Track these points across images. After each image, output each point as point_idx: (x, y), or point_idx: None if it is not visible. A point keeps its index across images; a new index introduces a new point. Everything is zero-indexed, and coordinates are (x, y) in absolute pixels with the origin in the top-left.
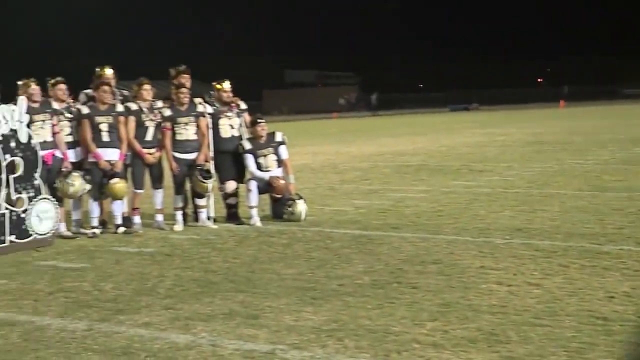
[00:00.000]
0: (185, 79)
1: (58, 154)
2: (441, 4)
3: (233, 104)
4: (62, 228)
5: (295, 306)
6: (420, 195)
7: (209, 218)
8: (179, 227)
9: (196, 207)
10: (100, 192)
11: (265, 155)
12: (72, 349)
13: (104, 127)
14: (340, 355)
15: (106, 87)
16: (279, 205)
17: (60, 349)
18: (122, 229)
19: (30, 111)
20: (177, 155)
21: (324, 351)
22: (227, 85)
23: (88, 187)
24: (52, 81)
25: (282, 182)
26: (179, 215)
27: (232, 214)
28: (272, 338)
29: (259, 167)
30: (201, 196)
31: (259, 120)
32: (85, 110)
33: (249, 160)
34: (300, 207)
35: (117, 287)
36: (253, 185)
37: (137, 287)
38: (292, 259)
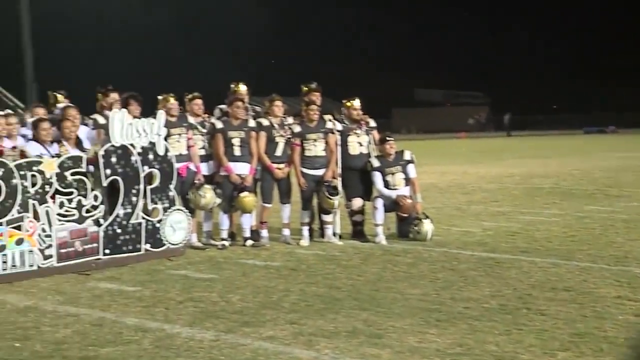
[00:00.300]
0: (316, 97)
1: (192, 166)
2: (580, 26)
3: (362, 122)
4: (194, 239)
5: (419, 327)
6: (552, 219)
7: (334, 234)
8: (305, 242)
9: (322, 223)
10: (230, 205)
11: (393, 174)
12: (200, 358)
13: (236, 141)
14: None
15: (239, 103)
16: (405, 224)
17: (188, 357)
18: (250, 242)
19: (168, 125)
20: (305, 171)
21: None
22: (357, 103)
23: (219, 200)
24: (189, 96)
25: (409, 201)
26: (305, 230)
27: (358, 231)
28: (395, 359)
29: (387, 185)
30: (328, 212)
31: (388, 138)
32: (219, 125)
33: (377, 177)
34: (427, 226)
35: (243, 299)
36: (380, 203)
37: (262, 300)
38: (417, 279)
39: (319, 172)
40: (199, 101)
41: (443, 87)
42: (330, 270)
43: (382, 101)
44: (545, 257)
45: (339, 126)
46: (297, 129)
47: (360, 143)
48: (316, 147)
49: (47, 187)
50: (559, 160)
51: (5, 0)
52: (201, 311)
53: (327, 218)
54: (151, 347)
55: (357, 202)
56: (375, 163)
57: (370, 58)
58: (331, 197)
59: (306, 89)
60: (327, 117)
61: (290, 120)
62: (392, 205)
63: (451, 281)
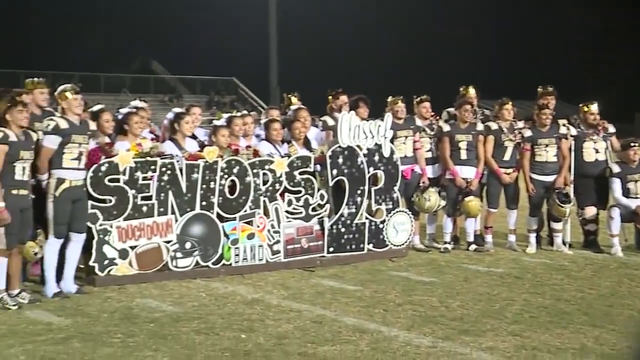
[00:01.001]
0: (549, 100)
1: (417, 169)
2: None
3: (600, 127)
4: (416, 240)
5: None
6: None
7: (564, 243)
8: (531, 249)
9: (551, 231)
10: (455, 208)
11: (636, 181)
12: None
13: (463, 145)
14: None
15: (468, 106)
16: None
17: None
18: (473, 247)
19: (395, 127)
20: (535, 176)
21: None
22: (594, 107)
23: (443, 203)
24: (418, 99)
25: None
26: (532, 237)
27: (591, 241)
28: None
29: (627, 193)
30: (558, 220)
31: (632, 144)
32: (446, 127)
33: (616, 184)
34: None
35: (463, 305)
36: (616, 212)
37: (483, 308)
38: None
39: (550, 179)
40: (427, 104)
41: None
42: (558, 280)
43: (623, 105)
44: None
45: (573, 131)
46: (528, 133)
47: (597, 149)
48: (547, 153)
49: (277, 185)
50: None
51: (254, 8)
52: (420, 315)
53: (556, 226)
54: (367, 348)
55: (591, 211)
56: (616, 169)
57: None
58: (562, 204)
59: (541, 91)
60: (562, 121)
61: (520, 124)
62: (631, 215)
63: None
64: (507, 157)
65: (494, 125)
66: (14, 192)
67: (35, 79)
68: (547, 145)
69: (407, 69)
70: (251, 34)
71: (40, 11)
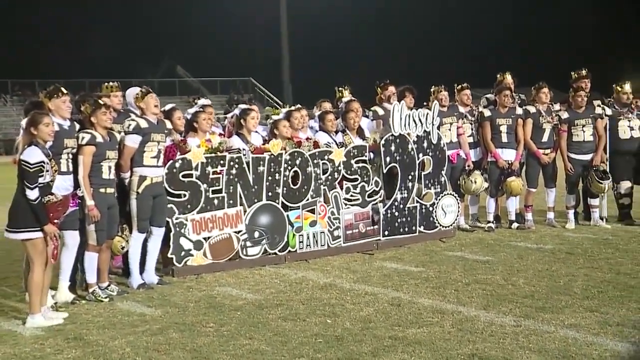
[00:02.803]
0: (585, 83)
1: (462, 153)
2: None
3: (633, 105)
4: (462, 221)
5: None
6: None
7: (601, 218)
8: (571, 225)
9: (589, 207)
10: (498, 189)
11: None
12: (507, 345)
13: (503, 128)
14: None
15: (507, 92)
16: None
17: (495, 343)
18: (515, 225)
19: (440, 114)
20: (573, 156)
21: None
22: (627, 87)
23: (486, 184)
24: (459, 87)
25: None
26: (571, 214)
27: (624, 214)
28: None
29: None
30: (596, 196)
31: None
32: (487, 113)
33: None
34: None
35: (528, 282)
36: None
37: (549, 285)
38: None
39: (587, 157)
40: (468, 91)
41: None
42: (610, 254)
43: None
44: None
45: (608, 111)
46: (565, 115)
47: (632, 127)
48: (584, 133)
49: (335, 174)
50: None
51: (267, 12)
52: (491, 294)
53: (594, 202)
54: (454, 329)
55: (625, 185)
56: None
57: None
58: (601, 181)
59: (576, 76)
60: (596, 102)
61: (557, 106)
62: None
63: None
64: (545, 138)
65: (532, 109)
66: (102, 190)
67: (111, 84)
68: (583, 126)
69: (414, 63)
70: (265, 36)
71: (81, 23)
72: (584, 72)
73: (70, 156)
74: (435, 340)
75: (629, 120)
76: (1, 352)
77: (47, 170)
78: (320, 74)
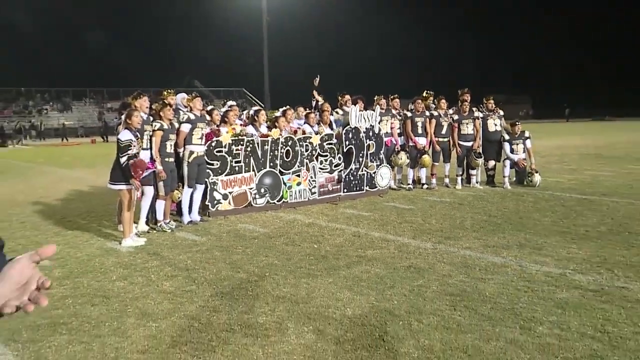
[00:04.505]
0: (466, 97)
1: (393, 140)
2: None
3: (496, 111)
4: (392, 184)
5: (563, 243)
6: (608, 174)
7: (477, 182)
8: (459, 186)
9: (469, 175)
10: (415, 162)
11: (517, 144)
12: (430, 260)
13: (419, 124)
14: (616, 281)
15: (419, 101)
16: (523, 175)
17: (422, 259)
18: (425, 186)
19: (380, 114)
20: (460, 142)
21: (601, 276)
22: (491, 100)
23: (408, 160)
24: (392, 97)
25: (525, 161)
26: (459, 179)
27: (490, 180)
28: (558, 264)
29: (512, 151)
30: (473, 168)
31: (516, 122)
32: (408, 114)
33: (506, 146)
34: (537, 177)
35: (438, 221)
36: (507, 163)
37: (450, 223)
38: (543, 212)
39: (469, 144)
40: (397, 100)
41: None
42: (484, 204)
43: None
44: (622, 198)
45: (481, 114)
46: (456, 116)
47: (496, 124)
48: (467, 128)
49: (313, 152)
50: (604, 136)
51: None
52: (415, 229)
53: (472, 172)
54: (396, 251)
55: (491, 162)
56: (506, 136)
57: None
58: (477, 159)
59: (460, 92)
60: (474, 108)
61: (450, 111)
62: (514, 164)
63: (566, 213)
64: (443, 131)
65: (435, 112)
66: (167, 159)
67: (169, 90)
68: (467, 124)
69: (365, 77)
70: (251, 56)
71: (129, 49)
72: (465, 90)
73: (147, 137)
74: (385, 258)
75: (494, 120)
76: (110, 260)
77: (134, 146)
78: (295, 84)
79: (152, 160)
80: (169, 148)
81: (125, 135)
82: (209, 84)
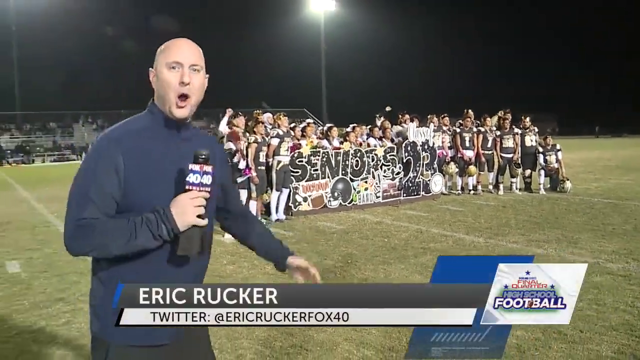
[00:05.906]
0: (508, 117)
1: (444, 152)
2: None
3: (532, 127)
4: (443, 189)
5: (594, 238)
6: (629, 182)
7: (517, 189)
8: (501, 192)
9: (511, 183)
10: (463, 172)
11: (550, 156)
12: (482, 252)
13: (466, 139)
14: None
15: (468, 119)
16: (556, 182)
17: (477, 251)
18: (472, 192)
19: (434, 131)
20: (502, 154)
21: (629, 265)
22: (528, 119)
23: (457, 169)
24: (442, 115)
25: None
26: (501, 186)
27: (528, 187)
28: (591, 255)
29: (546, 162)
30: (513, 177)
31: (547, 136)
32: (458, 130)
33: (540, 158)
34: (568, 184)
35: (486, 221)
36: (542, 172)
37: (497, 222)
38: (575, 213)
39: (509, 155)
40: (447, 119)
41: None
42: (523, 207)
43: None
44: None
45: (519, 130)
46: (498, 132)
47: (532, 140)
48: (508, 142)
49: (378, 162)
50: (624, 151)
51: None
52: (468, 227)
53: (513, 180)
54: (454, 245)
55: (528, 171)
56: (540, 150)
57: None
58: (516, 169)
59: (502, 113)
60: (514, 126)
61: (494, 127)
62: (549, 173)
63: (595, 214)
64: (489, 145)
65: (482, 129)
66: (260, 167)
67: (258, 110)
68: (508, 138)
69: (416, 99)
70: (311, 83)
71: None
72: (507, 110)
73: (244, 148)
74: (445, 249)
75: (530, 136)
76: (217, 250)
77: (235, 154)
78: (352, 105)
79: (248, 167)
80: (262, 158)
81: (227, 145)
82: (277, 104)
